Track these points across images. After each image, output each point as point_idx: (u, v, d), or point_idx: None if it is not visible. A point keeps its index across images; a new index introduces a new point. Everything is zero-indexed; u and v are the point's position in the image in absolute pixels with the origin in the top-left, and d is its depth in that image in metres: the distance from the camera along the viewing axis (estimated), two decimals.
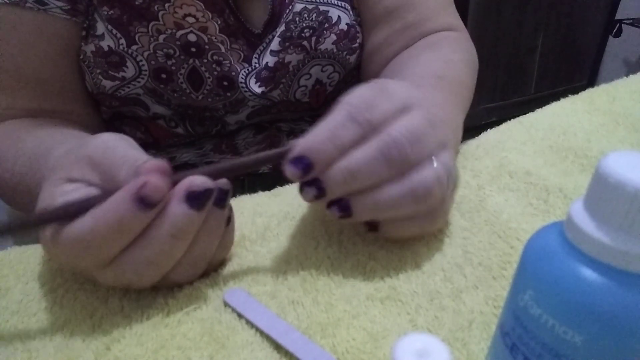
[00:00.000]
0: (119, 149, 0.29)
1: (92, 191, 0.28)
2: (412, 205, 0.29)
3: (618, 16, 2.08)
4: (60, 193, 0.28)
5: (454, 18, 0.54)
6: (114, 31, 0.44)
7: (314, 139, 0.28)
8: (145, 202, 0.25)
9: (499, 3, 1.89)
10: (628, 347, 0.17)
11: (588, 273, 0.17)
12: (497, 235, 0.34)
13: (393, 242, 0.33)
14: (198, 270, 0.31)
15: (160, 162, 0.27)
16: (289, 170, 0.28)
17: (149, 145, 0.56)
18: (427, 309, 0.29)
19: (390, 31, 0.51)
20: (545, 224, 0.20)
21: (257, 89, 0.50)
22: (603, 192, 0.17)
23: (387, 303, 0.29)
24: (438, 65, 0.44)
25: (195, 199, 0.26)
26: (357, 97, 0.29)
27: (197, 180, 0.27)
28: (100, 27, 0.44)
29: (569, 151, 0.43)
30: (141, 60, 0.46)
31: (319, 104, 0.56)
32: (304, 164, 0.28)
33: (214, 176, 0.28)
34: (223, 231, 0.30)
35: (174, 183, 0.27)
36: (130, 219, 0.25)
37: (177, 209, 0.26)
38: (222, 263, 0.33)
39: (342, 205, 0.29)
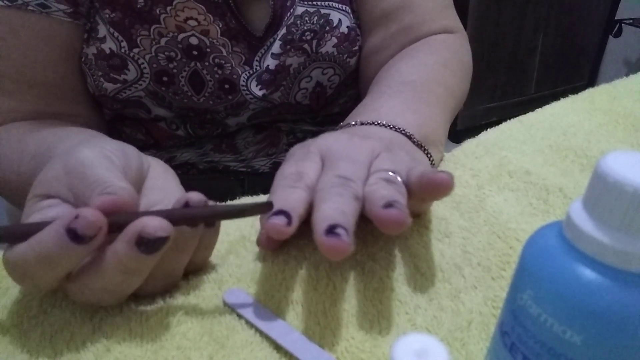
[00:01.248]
0: (95, 170, 0.27)
1: (67, 209, 0.28)
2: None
3: (618, 16, 2.08)
4: (37, 209, 0.28)
5: (452, 20, 0.54)
6: (116, 34, 0.44)
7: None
8: (75, 235, 0.24)
9: (499, 3, 1.89)
10: (627, 347, 0.17)
11: (587, 272, 0.17)
12: (496, 236, 0.34)
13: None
14: (174, 280, 0.30)
15: (115, 198, 0.25)
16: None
17: (150, 145, 0.56)
18: (425, 309, 0.29)
19: (386, 34, 0.51)
20: (545, 224, 0.20)
21: (258, 91, 0.50)
22: (602, 192, 0.17)
23: (386, 303, 0.29)
24: (407, 71, 0.45)
25: (146, 244, 0.25)
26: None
27: (149, 226, 0.24)
28: (102, 30, 0.44)
29: (569, 151, 0.43)
30: (143, 63, 0.46)
31: (319, 106, 0.56)
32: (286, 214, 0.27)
33: (174, 221, 0.26)
34: (196, 244, 0.29)
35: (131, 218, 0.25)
36: (60, 250, 0.24)
37: (126, 250, 0.25)
38: (205, 262, 0.32)
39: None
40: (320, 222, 0.25)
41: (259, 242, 0.32)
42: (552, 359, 0.18)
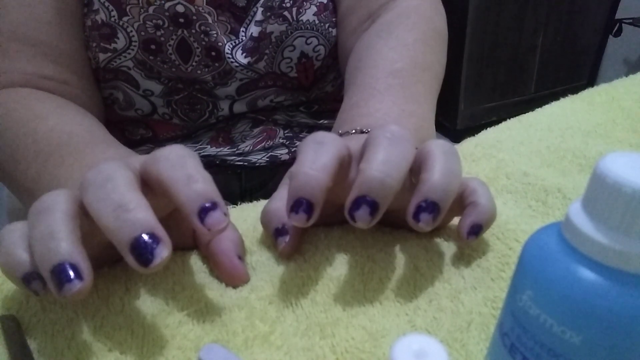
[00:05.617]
0: None
1: None
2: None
3: (618, 16, 2.08)
4: None
5: None
6: (107, 3, 0.46)
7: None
8: None
9: (499, 3, 1.89)
10: (626, 347, 0.17)
11: (586, 273, 0.17)
12: (495, 237, 0.34)
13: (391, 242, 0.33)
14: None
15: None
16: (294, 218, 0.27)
17: (147, 140, 0.57)
18: (425, 309, 0.29)
19: None
20: (544, 225, 0.20)
21: (243, 59, 0.51)
22: (601, 193, 0.17)
23: (385, 304, 0.29)
24: (390, 56, 0.45)
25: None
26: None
27: None
28: (96, 2, 0.45)
29: (567, 151, 0.43)
30: (131, 32, 0.47)
31: (309, 80, 0.56)
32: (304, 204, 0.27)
33: None
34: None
35: None
36: None
37: None
38: None
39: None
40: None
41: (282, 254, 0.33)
42: (551, 359, 0.18)
